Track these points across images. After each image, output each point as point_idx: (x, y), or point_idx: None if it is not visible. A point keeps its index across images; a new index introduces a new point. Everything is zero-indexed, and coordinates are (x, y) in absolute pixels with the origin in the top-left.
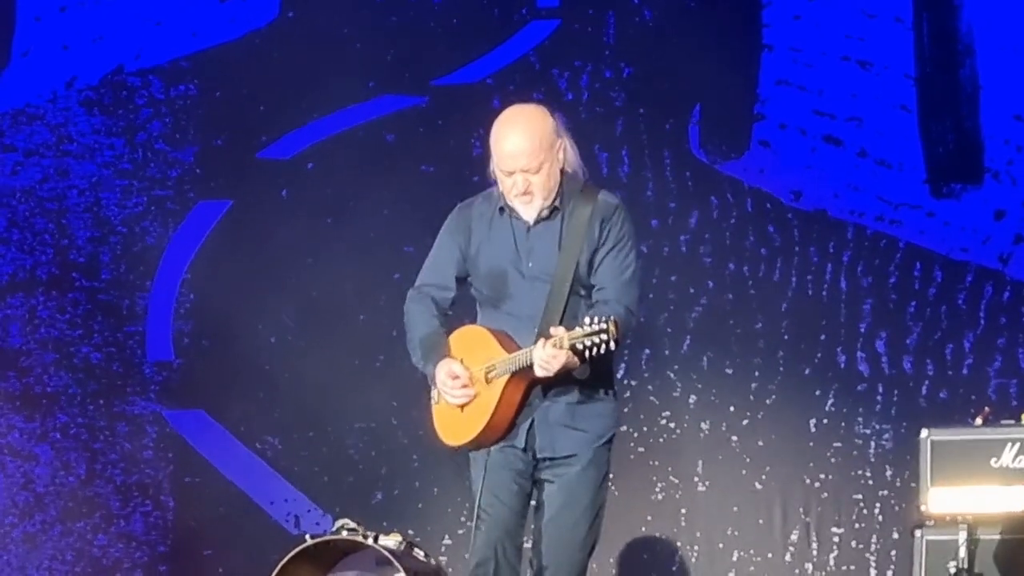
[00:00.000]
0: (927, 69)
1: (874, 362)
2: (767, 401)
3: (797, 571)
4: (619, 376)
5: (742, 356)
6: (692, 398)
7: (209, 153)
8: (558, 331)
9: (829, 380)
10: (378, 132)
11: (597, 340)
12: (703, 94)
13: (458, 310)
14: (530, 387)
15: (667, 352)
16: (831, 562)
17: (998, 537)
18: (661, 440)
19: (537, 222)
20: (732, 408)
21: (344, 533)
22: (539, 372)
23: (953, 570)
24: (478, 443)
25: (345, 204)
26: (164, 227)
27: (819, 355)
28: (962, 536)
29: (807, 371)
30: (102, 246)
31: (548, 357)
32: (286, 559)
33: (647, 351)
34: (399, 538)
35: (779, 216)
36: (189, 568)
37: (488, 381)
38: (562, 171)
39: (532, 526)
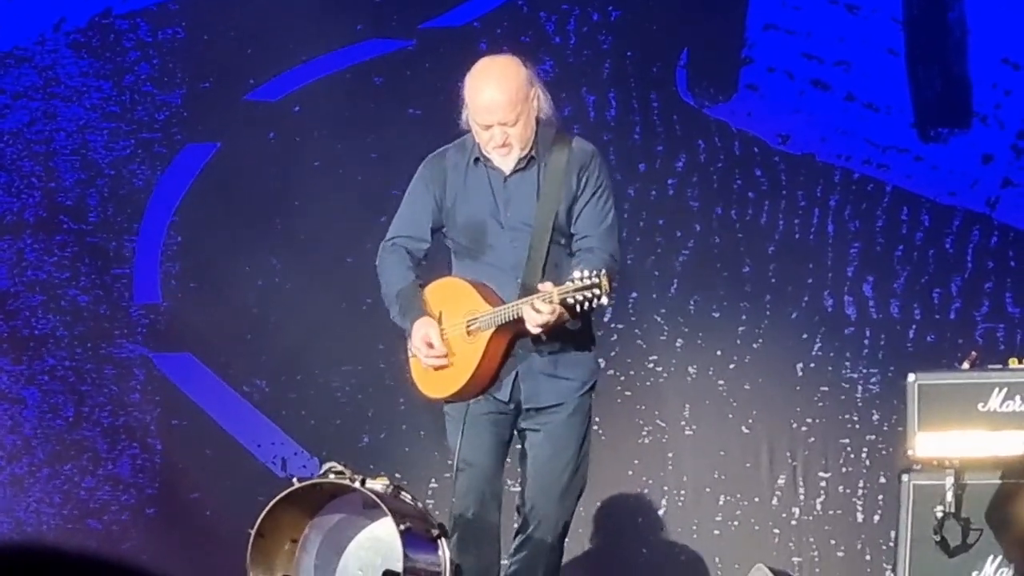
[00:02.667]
0: (915, 12)
1: (861, 306)
2: (754, 345)
3: (784, 515)
4: (606, 320)
5: (729, 300)
6: (679, 342)
7: (197, 96)
8: (546, 287)
9: (816, 324)
10: (366, 75)
11: (589, 295)
12: (691, 37)
13: (430, 261)
14: (513, 340)
15: (654, 296)
16: (818, 506)
17: (985, 481)
18: (648, 384)
19: (513, 172)
20: (719, 352)
21: (331, 476)
22: (534, 331)
23: (940, 514)
24: (460, 396)
25: (332, 147)
26: (152, 170)
27: (806, 299)
28: (949, 480)
29: (794, 315)
30: (90, 188)
31: (542, 320)
32: (273, 502)
33: (634, 295)
34: (386, 481)
35: (766, 160)
36: (176, 510)
37: (470, 334)
38: (537, 119)
39: (519, 473)
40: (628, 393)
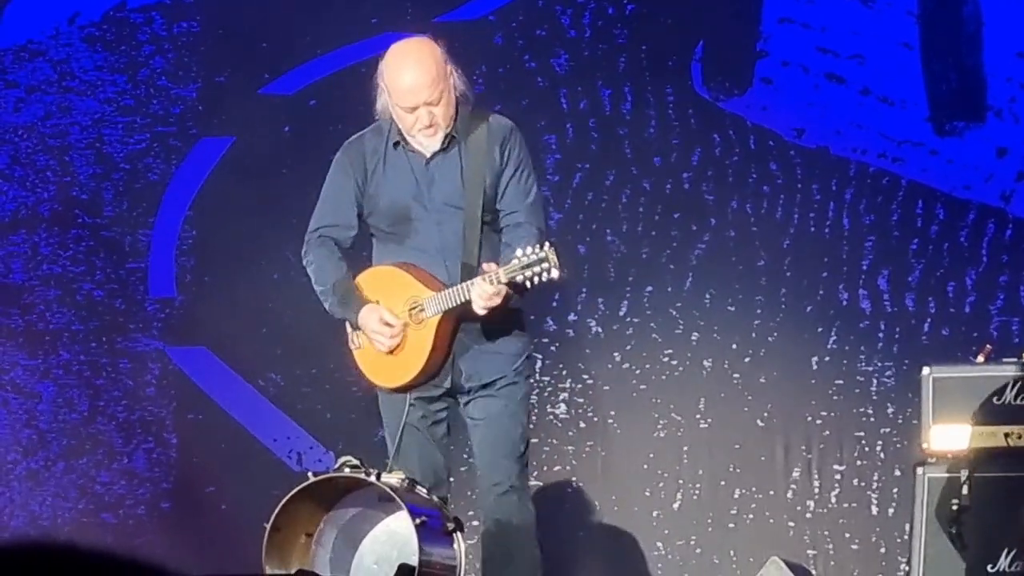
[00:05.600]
0: (930, 6)
1: (876, 299)
2: (769, 338)
3: (799, 508)
4: (621, 313)
5: (744, 293)
6: (694, 335)
7: (212, 90)
8: (491, 267)
9: (831, 317)
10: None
11: (538, 269)
12: (706, 31)
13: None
14: (459, 322)
15: (669, 289)
16: (832, 499)
17: (1000, 475)
18: (663, 377)
19: (435, 153)
20: (734, 345)
21: (346, 470)
22: (480, 312)
23: (955, 507)
24: (414, 384)
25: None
26: (167, 164)
27: (821, 292)
28: (964, 474)
29: (809, 308)
30: (104, 183)
31: (488, 297)
32: (288, 496)
33: (650, 288)
34: (401, 475)
35: (782, 153)
36: (191, 505)
37: (417, 321)
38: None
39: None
40: (643, 386)
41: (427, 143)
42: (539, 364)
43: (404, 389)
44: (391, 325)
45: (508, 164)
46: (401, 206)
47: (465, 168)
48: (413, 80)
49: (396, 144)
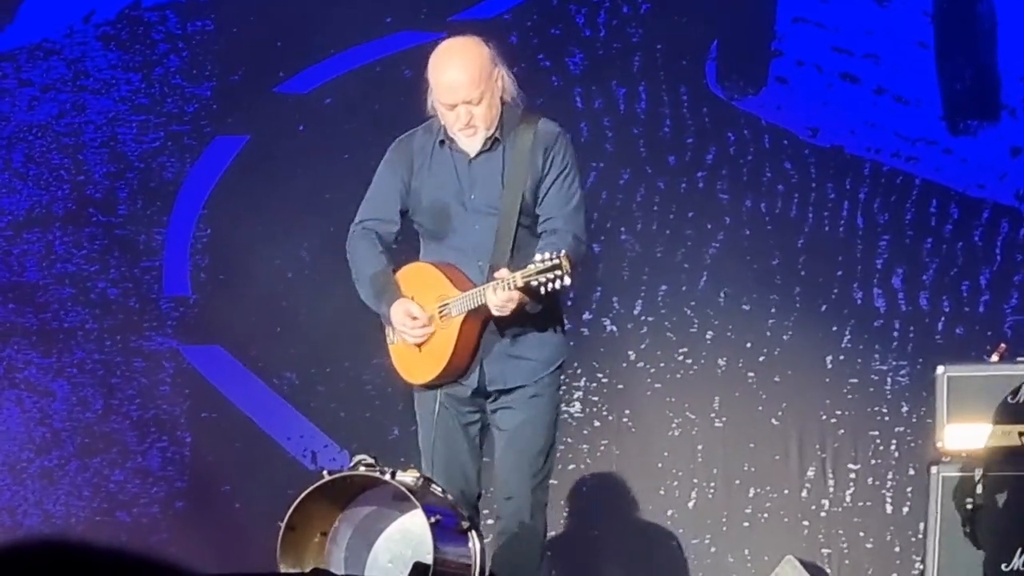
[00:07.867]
0: (944, 5)
1: (890, 298)
2: (784, 337)
3: (813, 507)
4: (636, 312)
5: (759, 292)
6: (709, 334)
7: (226, 88)
8: (502, 273)
9: (845, 316)
10: (396, 68)
11: (551, 276)
12: (721, 30)
13: (402, 245)
14: (486, 323)
15: (684, 288)
16: (847, 498)
17: (1014, 474)
18: (678, 376)
19: (478, 154)
20: (749, 344)
21: (361, 469)
22: (496, 313)
23: (969, 506)
24: (439, 382)
25: (362, 139)
26: (181, 162)
27: (836, 291)
28: (978, 473)
29: (824, 307)
30: (119, 181)
31: (502, 301)
32: (303, 495)
33: (664, 287)
34: (416, 474)
35: (796, 152)
36: (206, 503)
37: (442, 319)
38: (502, 101)
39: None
40: (658, 385)
41: (467, 143)
42: None
43: (430, 386)
44: (416, 318)
45: (551, 170)
46: (442, 205)
47: (506, 171)
48: (453, 77)
49: (442, 143)
